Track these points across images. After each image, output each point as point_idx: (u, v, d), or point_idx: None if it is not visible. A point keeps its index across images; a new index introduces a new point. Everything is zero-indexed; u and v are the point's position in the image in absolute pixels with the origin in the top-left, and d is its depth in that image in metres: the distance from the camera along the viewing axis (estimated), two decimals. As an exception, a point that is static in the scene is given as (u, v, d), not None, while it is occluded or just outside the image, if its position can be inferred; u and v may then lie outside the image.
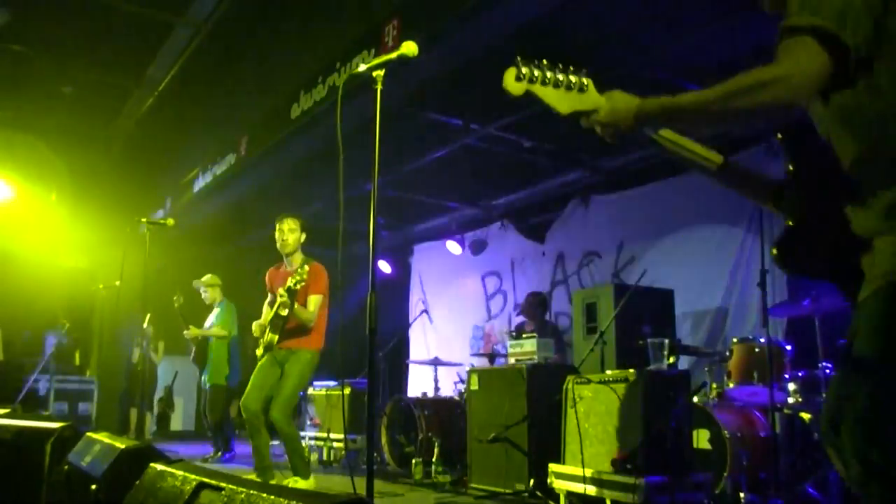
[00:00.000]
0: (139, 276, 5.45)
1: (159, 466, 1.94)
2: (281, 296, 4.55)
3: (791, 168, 1.73)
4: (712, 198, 6.23)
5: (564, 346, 6.26)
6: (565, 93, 1.63)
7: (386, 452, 6.29)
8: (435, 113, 6.13)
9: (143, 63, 7.42)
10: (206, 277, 7.20)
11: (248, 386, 4.78)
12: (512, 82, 1.61)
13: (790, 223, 1.67)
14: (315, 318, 4.77)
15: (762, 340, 4.37)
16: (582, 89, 1.64)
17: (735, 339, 4.67)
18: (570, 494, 4.19)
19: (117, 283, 6.11)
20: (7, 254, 9.12)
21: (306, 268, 4.62)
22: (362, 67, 2.46)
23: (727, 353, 4.64)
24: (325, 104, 6.00)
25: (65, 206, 9.24)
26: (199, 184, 8.65)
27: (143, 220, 5.32)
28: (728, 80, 1.45)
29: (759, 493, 3.98)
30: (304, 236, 4.93)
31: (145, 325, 5.94)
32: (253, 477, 4.61)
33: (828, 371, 4.07)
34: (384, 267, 9.58)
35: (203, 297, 7.25)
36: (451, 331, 9.16)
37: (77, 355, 10.08)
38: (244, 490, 1.51)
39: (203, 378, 7.21)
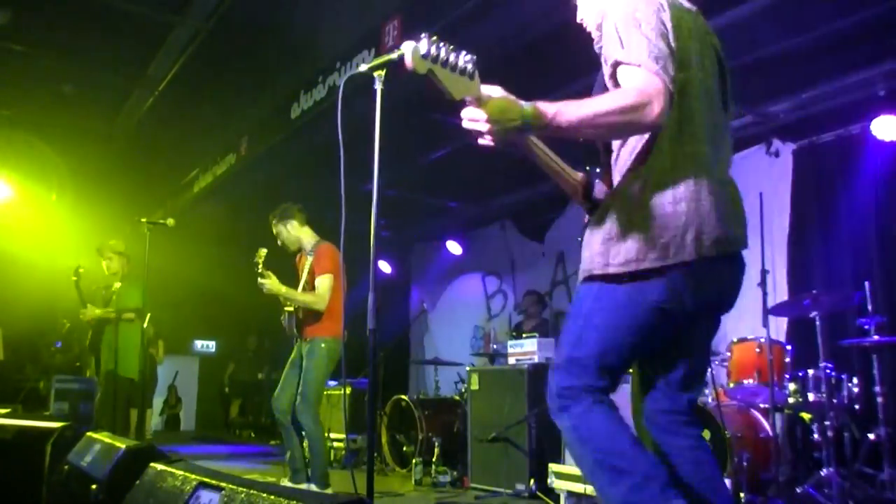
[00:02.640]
0: (139, 276, 5.44)
1: (159, 466, 1.94)
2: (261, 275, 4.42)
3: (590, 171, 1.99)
4: (712, 198, 6.23)
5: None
6: (458, 77, 1.61)
7: (386, 452, 6.29)
8: (435, 113, 6.13)
9: (144, 63, 7.41)
10: (113, 243, 5.99)
11: (279, 384, 4.58)
12: (418, 58, 1.60)
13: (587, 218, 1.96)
14: (325, 301, 4.47)
15: (762, 340, 4.37)
16: (472, 76, 1.64)
17: (735, 339, 4.66)
18: (570, 494, 4.19)
19: (118, 283, 6.10)
20: (7, 254, 9.12)
21: (262, 251, 4.48)
22: (363, 67, 2.45)
23: (727, 353, 4.64)
24: (325, 104, 6.00)
25: (65, 205, 9.25)
26: (200, 184, 8.66)
27: (143, 220, 5.31)
28: (598, 100, 1.67)
29: (760, 493, 3.98)
30: (294, 223, 4.75)
31: (145, 325, 5.94)
32: (256, 476, 4.60)
33: (828, 371, 4.07)
34: (384, 267, 9.58)
35: (104, 265, 5.95)
36: (451, 331, 9.16)
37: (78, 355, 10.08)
38: (244, 490, 1.52)
39: (99, 368, 5.85)
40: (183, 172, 9.20)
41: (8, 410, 4.17)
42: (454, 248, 9.00)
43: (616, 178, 1.84)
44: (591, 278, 1.83)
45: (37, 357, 9.64)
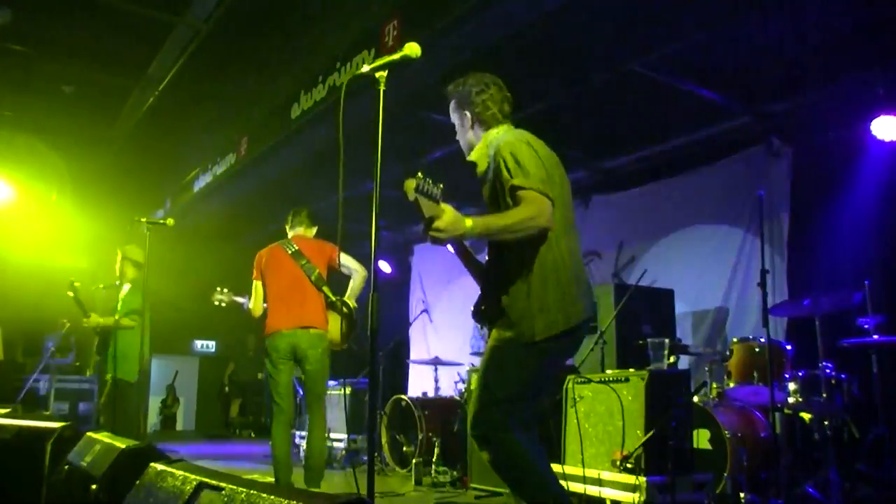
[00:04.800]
0: (142, 282, 5.44)
1: (159, 466, 1.94)
2: None
3: (488, 254, 2.69)
4: (712, 198, 6.22)
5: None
6: (430, 202, 2.26)
7: (386, 452, 6.29)
8: (435, 113, 6.13)
9: (144, 63, 7.41)
10: (127, 248, 6.06)
11: None
12: (411, 190, 2.20)
13: (481, 293, 2.71)
14: (254, 307, 4.76)
15: (762, 340, 4.37)
16: (437, 202, 2.29)
17: (735, 339, 4.67)
18: (570, 494, 4.19)
19: (117, 283, 6.09)
20: (7, 253, 9.12)
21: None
22: (365, 68, 2.45)
23: (727, 353, 4.64)
24: (325, 104, 6.00)
25: (65, 205, 9.24)
26: (199, 184, 8.65)
27: (143, 220, 5.30)
28: (509, 214, 2.40)
29: (759, 493, 3.98)
30: (287, 228, 5.05)
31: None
32: (256, 476, 4.60)
33: (828, 371, 4.07)
34: (384, 267, 9.58)
35: (116, 267, 6.09)
36: (451, 330, 9.16)
37: (77, 355, 10.07)
38: (244, 490, 1.51)
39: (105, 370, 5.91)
40: (183, 172, 9.19)
41: (8, 410, 4.16)
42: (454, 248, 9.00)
43: (510, 267, 2.53)
44: (516, 346, 2.48)
45: (37, 357, 9.62)
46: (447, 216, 2.31)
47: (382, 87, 2.42)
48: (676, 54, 4.92)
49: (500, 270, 2.59)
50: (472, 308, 2.73)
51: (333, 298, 4.74)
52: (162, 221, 5.40)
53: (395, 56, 2.45)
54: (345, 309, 4.77)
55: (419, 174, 2.21)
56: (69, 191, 9.24)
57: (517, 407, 2.51)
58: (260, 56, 7.33)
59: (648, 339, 4.42)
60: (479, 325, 2.83)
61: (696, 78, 5.34)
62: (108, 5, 6.38)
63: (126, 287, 5.97)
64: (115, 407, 5.71)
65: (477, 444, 2.54)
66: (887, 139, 4.87)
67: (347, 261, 4.84)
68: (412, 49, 2.46)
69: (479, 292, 2.73)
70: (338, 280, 4.90)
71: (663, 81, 5.28)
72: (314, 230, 5.01)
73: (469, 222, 2.35)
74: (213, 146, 8.39)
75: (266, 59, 7.24)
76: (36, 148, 8.86)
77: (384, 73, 2.42)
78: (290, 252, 4.75)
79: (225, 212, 8.96)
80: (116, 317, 5.80)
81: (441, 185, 2.27)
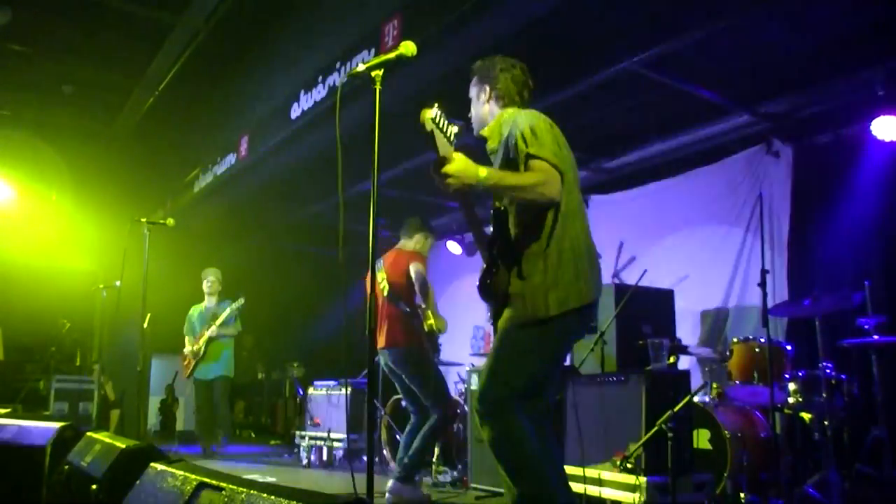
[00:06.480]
0: (139, 276, 5.44)
1: (159, 466, 1.94)
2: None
3: (492, 231, 2.65)
4: (712, 198, 6.22)
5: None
6: (445, 141, 2.28)
7: (386, 452, 6.29)
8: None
9: (144, 62, 7.41)
10: (217, 269, 7.66)
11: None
12: (428, 119, 2.21)
13: (485, 266, 2.65)
14: None
15: (762, 340, 4.37)
16: (452, 143, 2.31)
17: (735, 339, 4.66)
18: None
19: (117, 283, 6.09)
20: (7, 253, 9.12)
21: None
22: (361, 67, 2.45)
23: (727, 353, 4.63)
24: (325, 104, 5.99)
25: (65, 205, 9.24)
26: (200, 184, 8.65)
27: (144, 220, 5.30)
28: (523, 175, 2.44)
29: (759, 493, 3.98)
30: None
31: (145, 326, 5.93)
32: (256, 476, 4.59)
33: (828, 371, 4.07)
34: (384, 267, 9.56)
35: (206, 286, 7.56)
36: (451, 331, 9.14)
37: (77, 355, 10.07)
38: (244, 490, 1.52)
39: (206, 371, 7.36)
40: (183, 172, 9.19)
41: (8, 410, 4.17)
42: (454, 248, 8.99)
43: (525, 245, 2.52)
44: (531, 322, 2.47)
45: (36, 357, 9.63)
46: (459, 161, 2.32)
47: (379, 87, 2.42)
48: (676, 54, 4.92)
49: (513, 246, 2.57)
50: (477, 283, 2.67)
51: (409, 310, 4.75)
52: (162, 221, 5.41)
53: (391, 55, 2.45)
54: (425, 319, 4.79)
55: (436, 104, 2.18)
56: (69, 191, 9.25)
57: (525, 388, 2.49)
58: (260, 56, 7.33)
59: (648, 339, 4.42)
60: (485, 301, 2.69)
61: (696, 78, 5.33)
62: (108, 5, 6.38)
63: (213, 301, 7.47)
64: (221, 402, 7.19)
65: (479, 420, 2.50)
66: (887, 139, 4.86)
67: (412, 270, 4.73)
68: (407, 48, 2.46)
69: (484, 265, 2.67)
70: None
71: (663, 81, 5.28)
72: (413, 240, 5.01)
73: (483, 171, 2.36)
74: (213, 146, 8.39)
75: (266, 60, 7.25)
76: (36, 148, 8.87)
77: (380, 72, 2.42)
78: (378, 269, 4.75)
79: (225, 212, 8.96)
80: (228, 330, 7.33)
81: (457, 127, 2.28)
